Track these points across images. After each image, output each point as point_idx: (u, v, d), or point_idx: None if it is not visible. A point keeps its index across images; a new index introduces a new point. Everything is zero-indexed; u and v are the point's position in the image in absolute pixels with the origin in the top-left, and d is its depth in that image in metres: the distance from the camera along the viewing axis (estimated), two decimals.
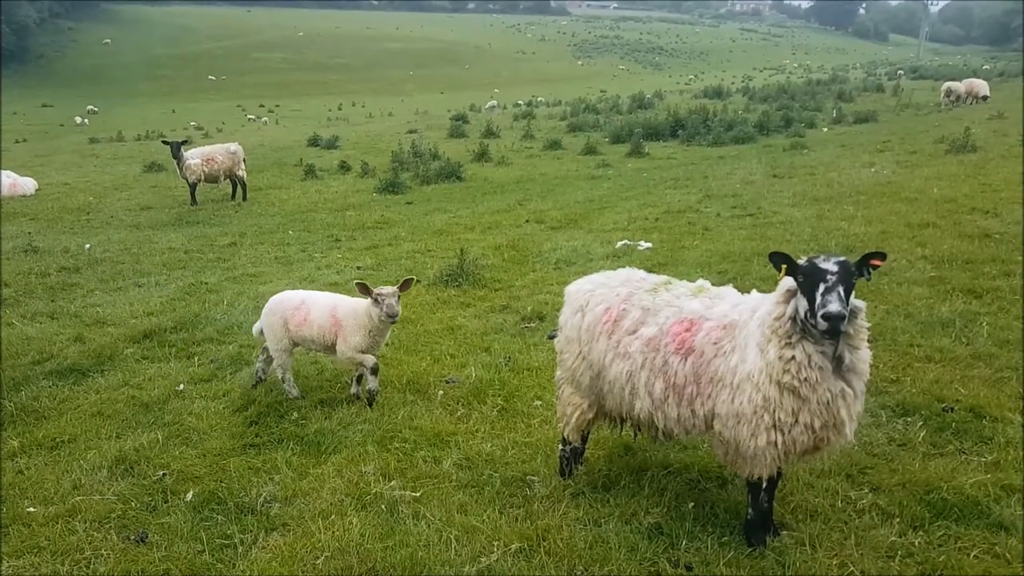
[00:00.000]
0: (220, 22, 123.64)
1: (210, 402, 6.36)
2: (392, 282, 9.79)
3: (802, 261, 3.62)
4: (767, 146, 23.37)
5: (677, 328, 4.05)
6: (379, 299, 5.67)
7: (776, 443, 3.70)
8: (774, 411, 3.66)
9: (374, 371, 6.01)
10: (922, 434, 5.08)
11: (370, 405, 6.02)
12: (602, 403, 4.52)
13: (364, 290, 5.72)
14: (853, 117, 29.40)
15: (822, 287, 3.48)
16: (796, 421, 3.64)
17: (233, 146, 17.94)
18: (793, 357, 3.58)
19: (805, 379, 3.57)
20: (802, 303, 3.57)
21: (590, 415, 4.61)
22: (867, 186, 13.94)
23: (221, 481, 5.04)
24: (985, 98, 31.03)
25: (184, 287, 10.14)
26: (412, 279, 5.96)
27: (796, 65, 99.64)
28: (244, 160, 18.04)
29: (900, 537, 4.03)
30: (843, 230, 10.60)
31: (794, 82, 58.17)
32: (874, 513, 4.26)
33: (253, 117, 53.66)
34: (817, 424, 3.64)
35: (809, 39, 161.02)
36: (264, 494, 4.82)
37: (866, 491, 4.49)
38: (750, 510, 4.11)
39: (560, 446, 4.91)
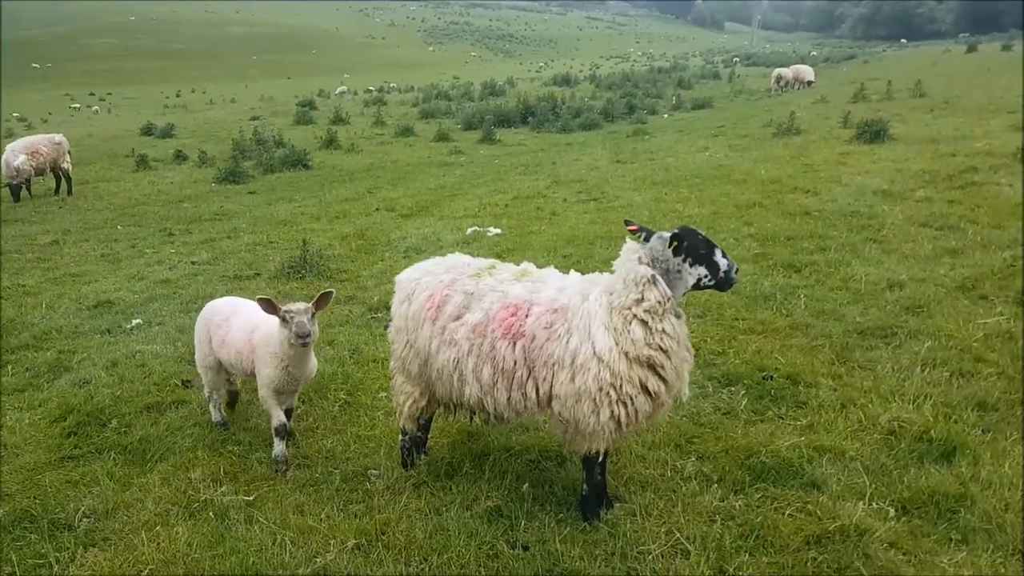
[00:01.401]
0: (44, 7, 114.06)
1: (24, 413, 5.87)
2: (230, 277, 9.47)
3: (678, 233, 3.85)
4: (612, 132, 24.10)
5: (503, 314, 4.09)
6: (288, 317, 4.55)
7: (619, 417, 3.86)
8: (621, 386, 3.82)
9: (279, 433, 4.92)
10: (744, 402, 5.38)
11: (279, 471, 4.93)
12: (433, 390, 4.49)
13: (269, 307, 4.58)
14: (691, 103, 30.83)
15: (719, 252, 3.88)
16: (641, 391, 3.84)
17: (58, 136, 16.73)
18: (664, 330, 3.82)
19: (667, 350, 3.82)
20: (698, 271, 3.86)
21: (422, 403, 4.58)
22: (702, 169, 14.64)
23: (35, 498, 4.66)
24: (810, 83, 33.29)
25: None
26: (330, 292, 4.72)
27: (640, 53, 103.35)
28: (69, 152, 16.80)
29: (722, 501, 4.25)
30: (679, 212, 11.08)
31: (637, 70, 60.37)
32: (699, 480, 4.47)
33: (78, 106, 49.89)
34: (664, 389, 3.87)
35: (651, 28, 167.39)
36: (82, 508, 4.49)
37: (693, 459, 4.70)
38: (585, 486, 4.24)
39: (400, 437, 4.86)
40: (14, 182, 15.61)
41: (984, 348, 5.99)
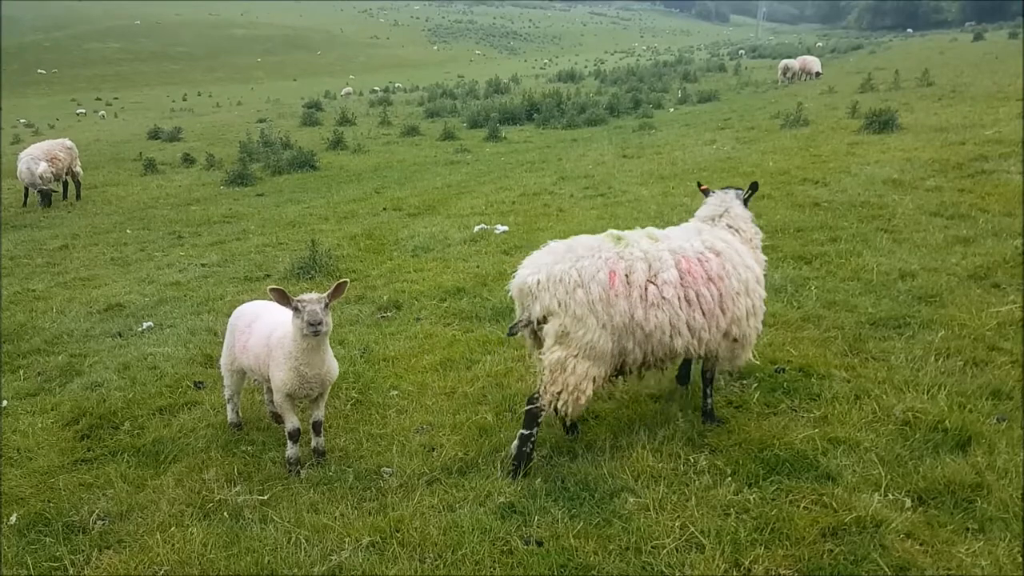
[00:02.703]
0: (46, 12, 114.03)
1: (37, 417, 5.90)
2: (240, 279, 9.49)
3: (755, 183, 5.48)
4: (618, 127, 24.03)
5: (694, 266, 4.69)
6: (300, 307, 4.46)
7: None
8: (762, 298, 5.00)
9: (292, 437, 4.86)
10: (756, 395, 5.34)
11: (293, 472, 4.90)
12: (624, 359, 4.66)
13: (282, 298, 4.50)
14: (697, 97, 30.71)
15: None
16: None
17: (68, 141, 16.80)
18: None
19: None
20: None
21: (603, 380, 4.69)
22: (709, 162, 14.59)
23: (49, 501, 4.69)
24: (818, 74, 33.11)
25: (9, 296, 9.36)
26: (345, 282, 4.69)
27: (644, 48, 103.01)
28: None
29: (736, 495, 4.22)
30: (686, 206, 11.03)
31: (643, 64, 60.19)
32: (713, 473, 4.45)
33: (84, 111, 50.01)
34: None
35: (656, 22, 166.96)
36: (96, 511, 4.51)
37: (706, 453, 4.68)
38: (709, 396, 5.11)
39: (527, 431, 4.67)
40: (44, 187, 15.64)
41: (997, 336, 5.95)
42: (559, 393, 4.55)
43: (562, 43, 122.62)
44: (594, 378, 4.58)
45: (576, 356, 4.53)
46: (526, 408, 4.68)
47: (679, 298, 4.57)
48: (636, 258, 4.58)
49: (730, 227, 5.15)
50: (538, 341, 4.71)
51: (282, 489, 4.65)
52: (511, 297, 4.81)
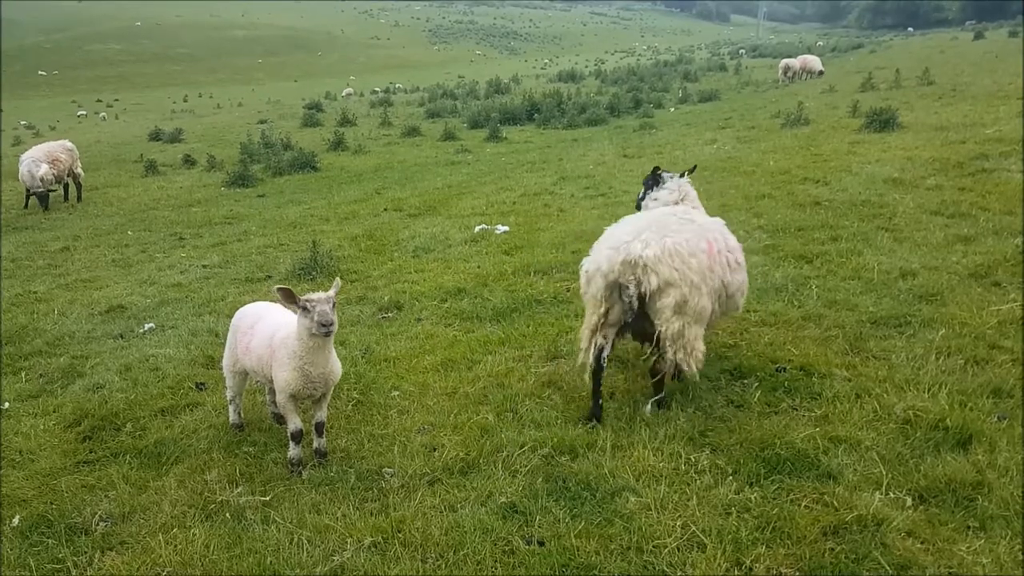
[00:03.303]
0: (47, 14, 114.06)
1: (39, 419, 5.91)
2: (241, 280, 9.50)
3: (695, 166, 6.64)
4: (618, 127, 24.04)
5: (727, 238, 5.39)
6: (309, 306, 4.43)
7: None
8: None
9: (294, 438, 4.87)
10: (757, 394, 5.34)
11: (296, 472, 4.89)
12: (712, 321, 5.22)
13: (288, 297, 4.46)
14: (698, 96, 30.72)
15: None
16: None
17: (69, 143, 16.80)
18: None
19: None
20: None
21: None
22: (710, 161, 14.57)
23: (51, 503, 4.70)
24: (821, 73, 33.09)
25: (10, 298, 9.38)
26: (336, 280, 4.77)
27: (645, 47, 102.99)
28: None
29: (738, 494, 4.22)
30: None
31: (643, 64, 60.18)
32: (714, 473, 4.45)
33: (84, 113, 50.02)
34: None
35: (656, 22, 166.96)
36: (99, 512, 4.52)
37: (707, 452, 4.67)
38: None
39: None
40: (40, 190, 15.63)
41: (998, 335, 5.95)
42: (682, 356, 4.96)
43: (562, 43, 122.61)
44: (701, 337, 5.03)
45: (690, 322, 4.94)
46: (652, 382, 5.32)
47: (741, 263, 5.32)
48: (712, 230, 5.20)
49: (694, 208, 5.88)
50: (618, 313, 5.03)
51: (284, 490, 4.66)
52: (601, 273, 5.01)
